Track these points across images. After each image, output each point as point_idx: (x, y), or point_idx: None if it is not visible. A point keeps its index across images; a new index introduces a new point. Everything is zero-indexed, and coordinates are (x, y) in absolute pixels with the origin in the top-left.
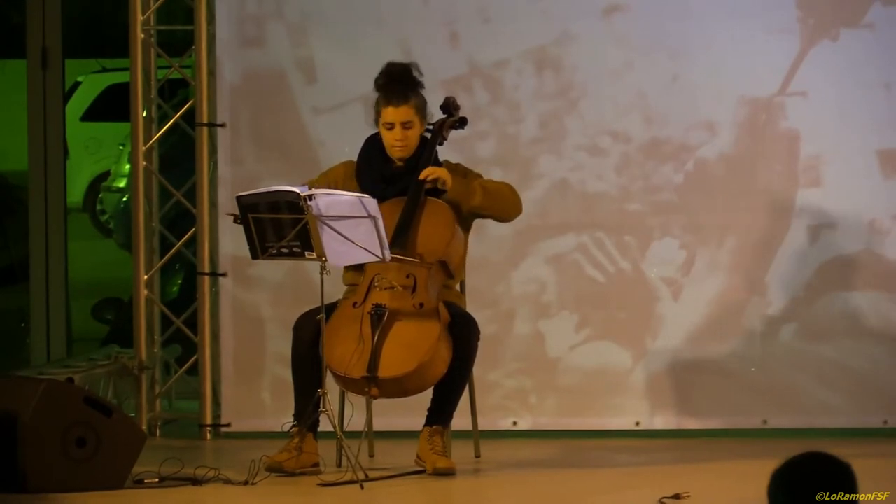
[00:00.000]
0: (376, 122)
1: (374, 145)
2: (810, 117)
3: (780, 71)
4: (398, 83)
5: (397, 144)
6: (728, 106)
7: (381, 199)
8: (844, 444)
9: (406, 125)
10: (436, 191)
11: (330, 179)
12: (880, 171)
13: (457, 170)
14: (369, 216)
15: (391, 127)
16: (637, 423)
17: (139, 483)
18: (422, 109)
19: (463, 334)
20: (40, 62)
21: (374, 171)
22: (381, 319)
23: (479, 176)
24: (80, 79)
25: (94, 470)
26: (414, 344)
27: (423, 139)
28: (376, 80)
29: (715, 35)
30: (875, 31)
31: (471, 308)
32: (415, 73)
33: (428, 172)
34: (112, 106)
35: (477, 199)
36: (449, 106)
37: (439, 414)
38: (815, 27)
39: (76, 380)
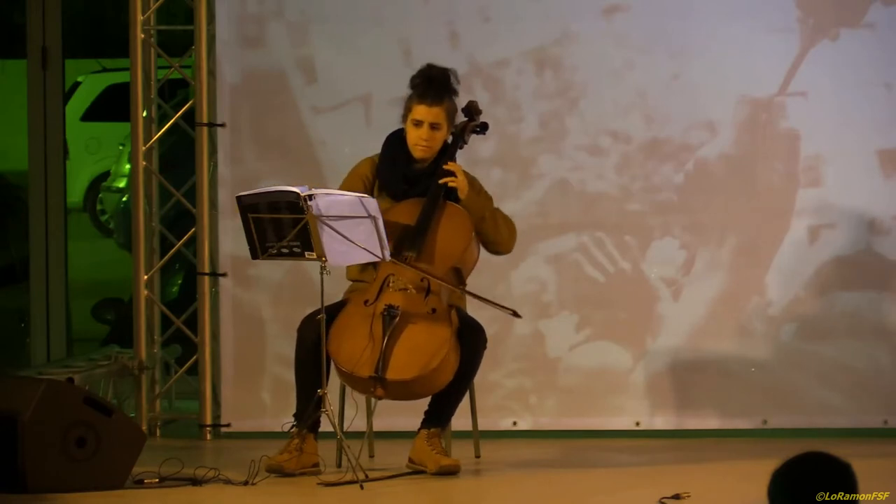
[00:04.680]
0: (404, 118)
1: (396, 143)
2: (810, 117)
3: (780, 71)
4: (435, 84)
5: (421, 143)
6: (728, 106)
7: (401, 199)
8: (844, 444)
9: (434, 126)
10: (450, 193)
11: (357, 175)
12: (880, 171)
13: (472, 184)
14: (369, 216)
15: (419, 124)
16: (637, 423)
17: (139, 483)
18: (452, 115)
19: (470, 343)
20: (40, 62)
21: (397, 170)
22: (393, 320)
23: (491, 199)
24: (80, 79)
25: (94, 470)
26: (424, 348)
27: (444, 143)
28: (412, 79)
29: (715, 35)
30: (875, 31)
31: (471, 308)
32: (452, 80)
33: (453, 168)
34: (112, 106)
35: (484, 225)
36: (471, 110)
37: (437, 417)
38: (815, 27)
39: (76, 380)
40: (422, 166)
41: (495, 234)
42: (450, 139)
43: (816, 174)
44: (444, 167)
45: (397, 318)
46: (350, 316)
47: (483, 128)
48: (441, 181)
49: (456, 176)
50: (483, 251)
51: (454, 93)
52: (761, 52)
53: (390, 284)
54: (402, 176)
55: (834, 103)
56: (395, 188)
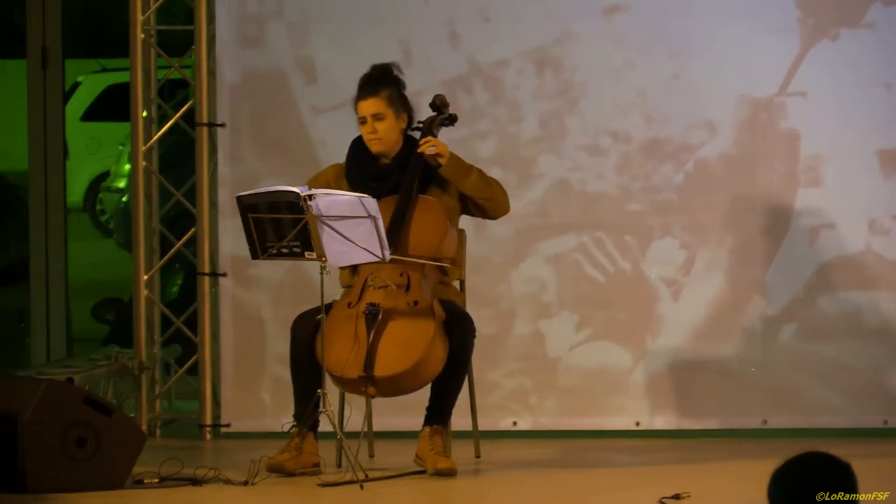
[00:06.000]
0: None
1: (358, 146)
2: (810, 117)
3: (780, 71)
4: (371, 80)
5: (371, 137)
6: (728, 106)
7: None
8: (844, 444)
9: (376, 117)
10: (431, 172)
11: (321, 182)
12: (880, 171)
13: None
14: (369, 216)
15: (364, 121)
16: (637, 423)
17: (139, 483)
18: (395, 102)
19: (458, 332)
20: (40, 62)
21: (362, 170)
22: (375, 318)
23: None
24: (80, 79)
25: (94, 470)
26: (409, 342)
27: (411, 138)
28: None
29: (715, 35)
30: (875, 31)
31: (471, 308)
32: (395, 72)
33: (428, 140)
34: (112, 106)
35: (472, 180)
36: (437, 104)
37: (438, 413)
38: (814, 27)
39: (76, 380)
40: (386, 162)
41: (489, 190)
42: (417, 135)
43: (816, 174)
44: (419, 149)
45: (379, 316)
46: (334, 320)
47: (452, 120)
48: (422, 151)
49: (435, 150)
50: (492, 223)
51: (394, 82)
52: (761, 52)
53: (370, 283)
54: (369, 174)
55: (834, 103)
56: (365, 187)
